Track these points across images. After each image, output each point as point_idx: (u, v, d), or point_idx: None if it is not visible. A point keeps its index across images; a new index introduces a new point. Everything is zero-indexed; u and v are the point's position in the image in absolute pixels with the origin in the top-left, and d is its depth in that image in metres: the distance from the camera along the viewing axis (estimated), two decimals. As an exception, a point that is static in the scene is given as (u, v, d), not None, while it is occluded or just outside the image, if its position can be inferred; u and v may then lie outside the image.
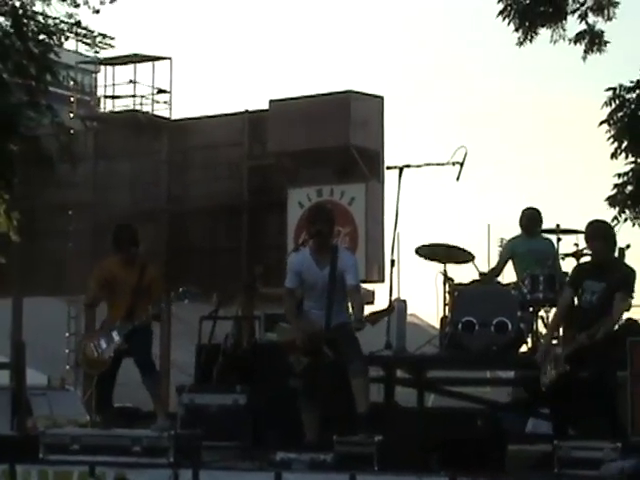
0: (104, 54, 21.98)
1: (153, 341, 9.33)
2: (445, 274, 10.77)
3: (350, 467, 7.86)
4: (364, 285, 22.36)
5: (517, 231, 11.21)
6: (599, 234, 8.79)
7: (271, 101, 21.95)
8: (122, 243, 9.15)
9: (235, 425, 9.40)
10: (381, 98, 21.67)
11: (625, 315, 9.72)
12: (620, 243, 10.82)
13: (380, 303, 25.20)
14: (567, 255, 10.74)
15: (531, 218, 11.06)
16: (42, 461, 8.59)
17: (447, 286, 10.73)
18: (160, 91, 24.03)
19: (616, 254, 10.53)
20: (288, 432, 8.93)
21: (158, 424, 8.86)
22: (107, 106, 25.03)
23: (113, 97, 24.69)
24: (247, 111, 22.62)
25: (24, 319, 24.14)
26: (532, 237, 10.97)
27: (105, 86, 25.05)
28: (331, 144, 20.70)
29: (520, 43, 15.04)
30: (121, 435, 8.58)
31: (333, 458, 8.09)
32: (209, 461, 8.46)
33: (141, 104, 24.04)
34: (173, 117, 24.01)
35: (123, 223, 9.84)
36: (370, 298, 23.14)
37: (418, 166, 10.92)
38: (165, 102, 24.10)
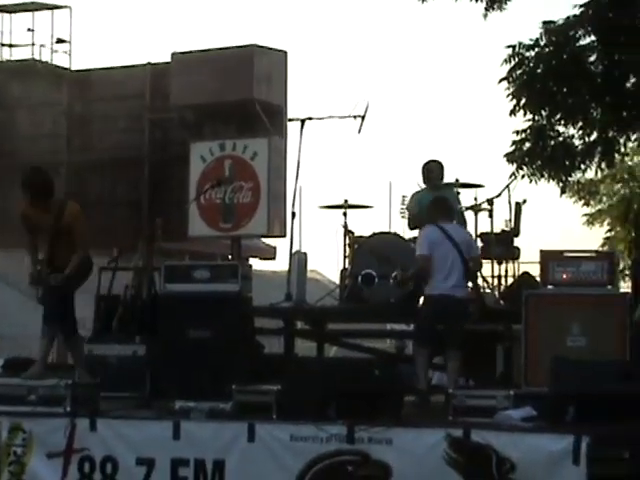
0: (0, 1, 21.44)
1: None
2: (346, 227, 10.83)
3: (248, 416, 7.91)
4: (266, 240, 22.39)
5: (417, 189, 11.23)
6: None
7: (173, 54, 21.67)
8: (34, 194, 8.72)
9: (134, 376, 9.36)
10: (284, 52, 21.55)
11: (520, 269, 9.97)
12: (517, 198, 11.06)
13: (282, 258, 25.16)
14: (466, 208, 10.85)
15: (435, 170, 11.00)
16: None
17: (347, 239, 10.79)
18: (59, 40, 23.53)
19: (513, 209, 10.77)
20: (186, 383, 8.92)
21: (28, 372, 8.68)
22: (4, 55, 24.47)
23: (10, 46, 24.12)
24: (149, 63, 22.31)
25: None
26: (436, 190, 10.97)
27: (2, 34, 24.47)
28: (234, 98, 20.44)
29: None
30: (17, 384, 8.48)
31: (232, 407, 8.13)
32: (106, 410, 8.41)
33: (40, 53, 23.56)
34: (73, 67, 23.58)
35: (36, 168, 9.27)
36: (272, 254, 23.16)
37: (320, 119, 10.96)
38: (65, 52, 23.62)
